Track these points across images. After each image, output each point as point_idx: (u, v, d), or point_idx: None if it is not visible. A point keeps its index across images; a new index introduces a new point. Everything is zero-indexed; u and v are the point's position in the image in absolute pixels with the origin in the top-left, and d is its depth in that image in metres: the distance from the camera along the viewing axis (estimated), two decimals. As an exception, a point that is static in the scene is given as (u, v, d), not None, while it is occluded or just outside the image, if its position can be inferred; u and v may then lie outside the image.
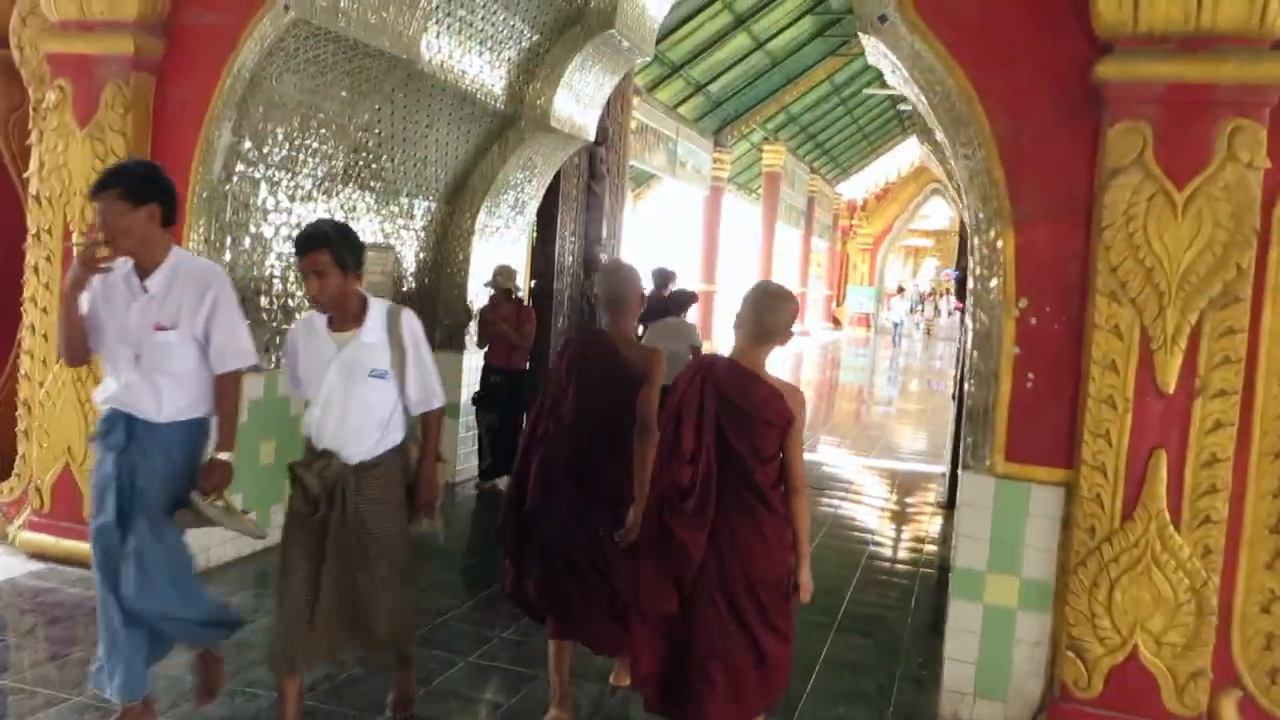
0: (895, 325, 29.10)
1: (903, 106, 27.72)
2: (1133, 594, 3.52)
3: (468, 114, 6.59)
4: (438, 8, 5.68)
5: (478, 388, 7.24)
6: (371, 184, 6.17)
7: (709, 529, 2.94)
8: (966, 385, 4.05)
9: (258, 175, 4.94)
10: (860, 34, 5.38)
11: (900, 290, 34.82)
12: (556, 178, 8.30)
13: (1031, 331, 3.75)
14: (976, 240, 3.89)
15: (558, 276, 8.57)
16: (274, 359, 5.25)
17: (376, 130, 5.96)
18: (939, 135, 4.19)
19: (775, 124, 23.39)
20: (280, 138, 5.00)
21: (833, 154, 30.56)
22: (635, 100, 14.54)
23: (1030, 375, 3.75)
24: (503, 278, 7.02)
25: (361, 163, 6.00)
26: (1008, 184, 3.76)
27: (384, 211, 6.42)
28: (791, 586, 3.01)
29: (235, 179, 4.82)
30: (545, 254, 8.45)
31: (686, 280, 20.16)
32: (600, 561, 3.48)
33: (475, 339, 7.26)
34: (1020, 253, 3.76)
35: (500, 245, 7.55)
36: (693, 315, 8.16)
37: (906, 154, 35.75)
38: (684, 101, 17.63)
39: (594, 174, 9.02)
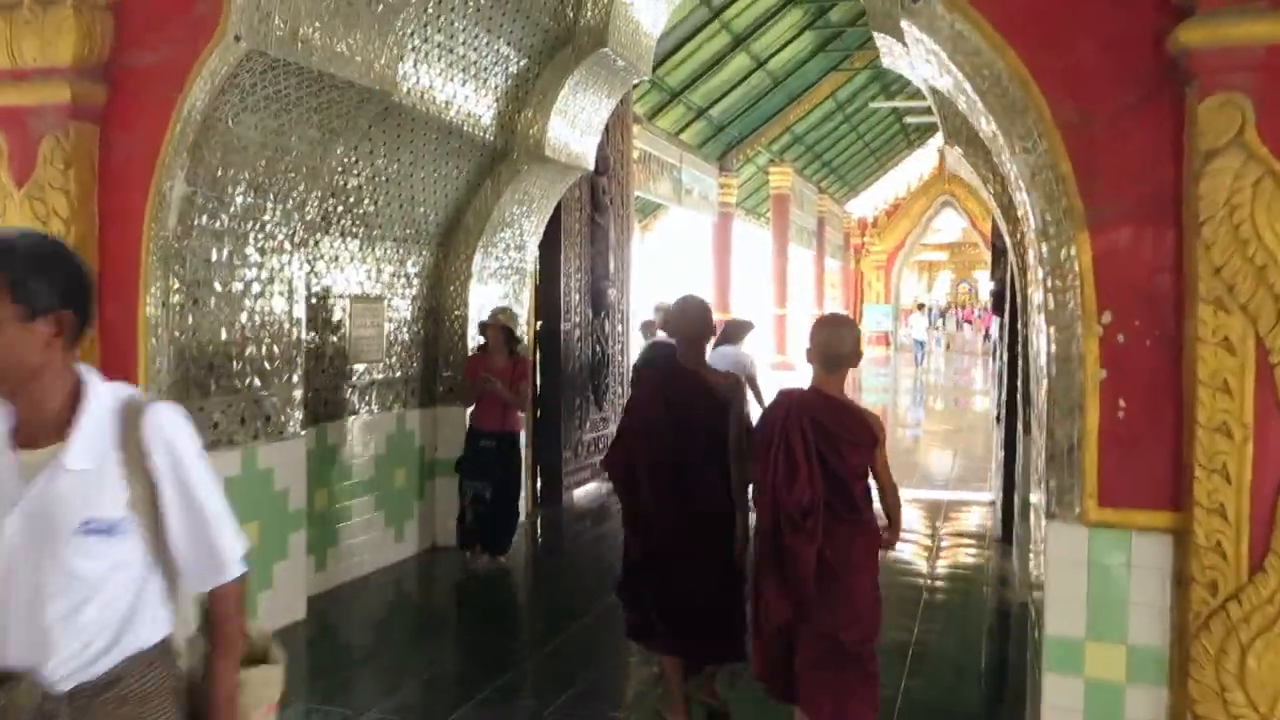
0: (918, 343, 28.40)
1: (909, 119, 27.27)
2: (1270, 660, 2.91)
3: (455, 148, 6.09)
4: (413, 34, 5.19)
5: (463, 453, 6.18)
6: (355, 230, 5.66)
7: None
8: (1040, 419, 3.46)
9: (219, 227, 4.43)
10: (877, 33, 4.89)
11: (920, 306, 34.12)
12: (557, 211, 7.80)
13: (1119, 351, 3.17)
14: (1044, 248, 3.32)
15: (564, 316, 8.04)
16: (254, 431, 4.73)
17: (356, 172, 5.46)
18: (990, 128, 3.63)
19: (780, 145, 22.95)
20: (243, 184, 4.50)
21: (840, 172, 30.10)
22: (636, 128, 14.09)
23: (1121, 403, 3.16)
24: (504, 317, 6.06)
25: (342, 208, 5.50)
26: (1078, 180, 3.19)
27: (371, 259, 5.91)
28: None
29: (195, 233, 4.31)
30: (549, 293, 7.93)
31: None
32: (721, 582, 3.83)
33: (461, 395, 6.36)
34: (1100, 259, 3.18)
35: (501, 287, 7.04)
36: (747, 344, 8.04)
37: (915, 167, 35.33)
38: (686, 128, 17.20)
39: (596, 205, 8.52)
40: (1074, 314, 3.23)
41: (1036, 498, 3.85)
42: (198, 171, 4.24)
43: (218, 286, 4.47)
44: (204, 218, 4.34)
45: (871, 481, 3.46)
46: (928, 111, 26.32)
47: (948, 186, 34.91)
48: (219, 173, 4.34)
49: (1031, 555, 4.01)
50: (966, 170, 6.00)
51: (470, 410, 6.18)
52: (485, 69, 5.95)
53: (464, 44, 5.64)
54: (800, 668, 3.35)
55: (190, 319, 4.34)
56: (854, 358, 3.49)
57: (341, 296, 5.67)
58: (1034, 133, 3.24)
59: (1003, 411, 7.46)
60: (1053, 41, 3.20)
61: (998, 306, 7.75)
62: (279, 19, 4.10)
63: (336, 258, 5.59)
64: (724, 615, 3.85)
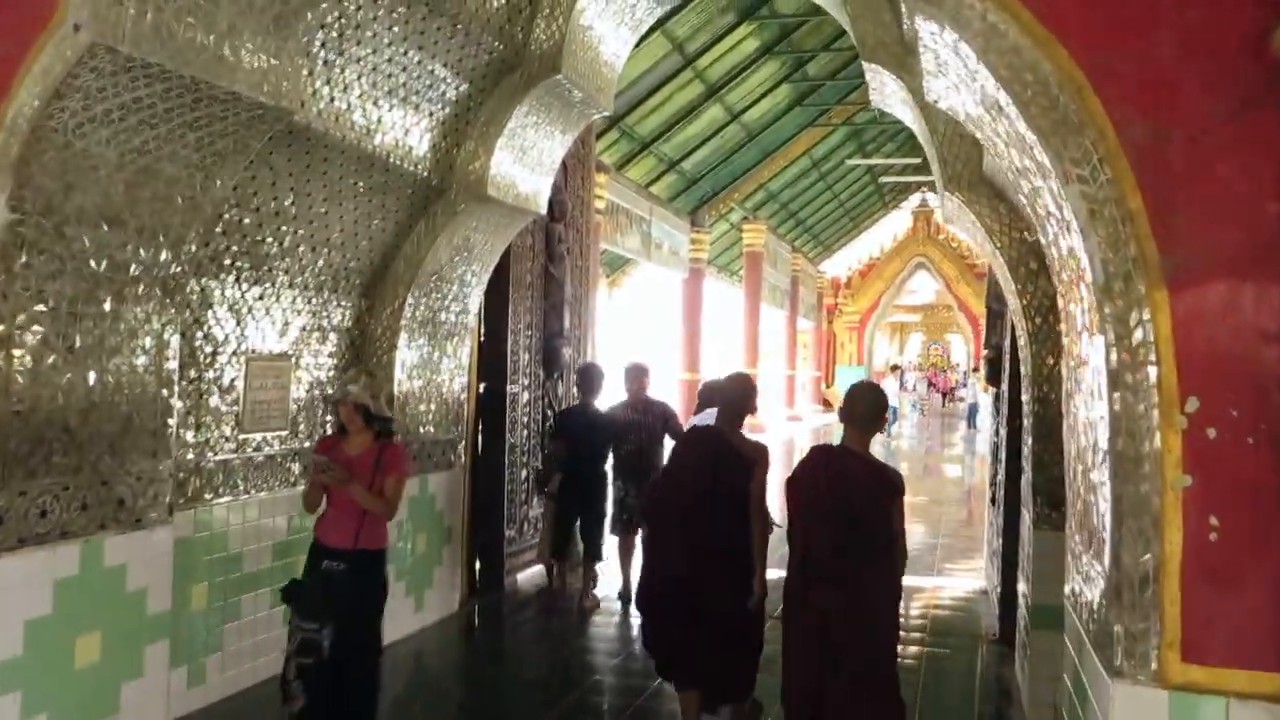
0: (891, 409, 27.66)
1: (885, 180, 26.91)
2: None
3: (381, 183, 5.27)
4: (324, 45, 4.39)
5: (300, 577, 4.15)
6: (253, 275, 4.80)
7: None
8: (1097, 535, 2.64)
9: (57, 267, 3.55)
10: (869, 67, 4.14)
11: (894, 368, 33.52)
12: (505, 260, 6.99)
13: (1210, 450, 2.35)
14: (1106, 309, 2.51)
15: (511, 376, 7.18)
16: (101, 519, 3.81)
17: (254, 205, 4.62)
18: (1023, 160, 2.84)
19: (754, 202, 22.40)
20: (91, 213, 3.64)
21: (814, 231, 29.66)
22: (603, 178, 13.38)
23: (1214, 521, 2.34)
24: (358, 391, 4.05)
25: (237, 248, 4.65)
26: (1152, 219, 2.40)
27: (277, 310, 5.05)
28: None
29: (20, 274, 3.43)
30: (495, 351, 7.08)
31: (666, 369, 18.81)
32: (744, 625, 4.26)
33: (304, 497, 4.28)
34: (1182, 326, 2.38)
35: (436, 344, 6.18)
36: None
37: (889, 228, 35.05)
38: (657, 180, 16.55)
39: (551, 255, 7.71)
40: (1146, 398, 2.42)
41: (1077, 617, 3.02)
42: (25, 195, 3.37)
43: (54, 340, 3.58)
44: (34, 254, 3.46)
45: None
46: (904, 171, 26.02)
47: (922, 249, 34.62)
48: (55, 198, 3.48)
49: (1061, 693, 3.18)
50: (968, 220, 5.24)
51: (315, 517, 4.24)
52: (418, 93, 5.16)
53: (390, 61, 4.85)
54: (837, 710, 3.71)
55: (20, 380, 3.44)
56: (883, 419, 4.05)
57: (236, 354, 4.79)
58: (1092, 156, 2.45)
59: (1000, 492, 6.64)
60: (1116, 38, 2.43)
61: (994, 375, 6.98)
62: (135, 7, 3.28)
63: (232, 307, 4.72)
64: (738, 652, 4.28)
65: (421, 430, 6.13)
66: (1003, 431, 6.62)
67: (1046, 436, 4.87)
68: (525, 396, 7.44)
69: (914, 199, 33.02)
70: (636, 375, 7.04)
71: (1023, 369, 5.47)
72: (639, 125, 14.33)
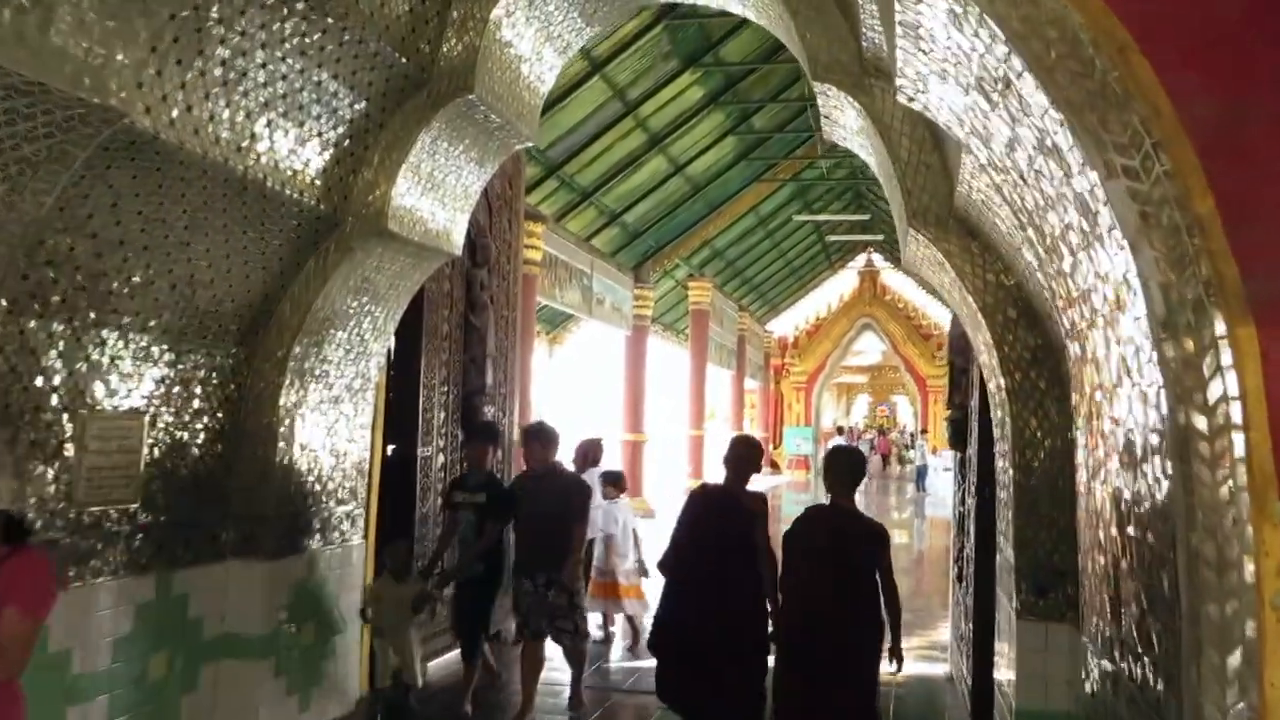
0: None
1: (831, 238, 26.66)
2: None
3: (260, 212, 4.51)
4: (176, 40, 3.65)
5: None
6: (88, 314, 3.99)
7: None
8: (1168, 686, 1.93)
9: None
10: (821, 88, 3.53)
11: (840, 430, 33.05)
12: (418, 308, 6.24)
13: (1324, 551, 1.67)
14: (1169, 349, 1.83)
15: (423, 439, 6.38)
16: None
17: (88, 230, 3.83)
18: (1058, 145, 2.18)
19: (700, 259, 21.90)
20: None
21: (761, 290, 29.29)
22: (540, 228, 12.72)
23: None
24: None
25: (66, 280, 3.84)
26: (1229, 228, 1.74)
27: (127, 358, 4.23)
28: (891, 655, 4.48)
29: None
30: (404, 409, 6.28)
31: (609, 429, 18.09)
32: (746, 666, 4.68)
33: None
34: (1278, 374, 1.71)
35: (330, 400, 5.38)
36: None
37: (836, 287, 34.88)
38: (598, 233, 15.93)
39: (473, 304, 6.97)
40: (1229, 477, 1.73)
41: None
42: None
43: None
44: None
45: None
46: (851, 230, 25.77)
47: (868, 309, 34.47)
48: None
49: None
50: (933, 262, 4.61)
51: None
52: (302, 108, 4.43)
53: (265, 68, 4.11)
54: None
55: None
56: (860, 479, 4.64)
57: (65, 409, 3.96)
58: (1143, 140, 1.79)
59: (968, 569, 5.96)
60: (1170, -18, 1.79)
61: (958, 438, 6.33)
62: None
63: (61, 354, 3.90)
64: (744, 688, 4.64)
65: (311, 500, 5.29)
66: (970, 501, 5.96)
67: (1030, 511, 4.21)
68: (440, 460, 6.64)
69: (860, 258, 32.93)
70: (536, 440, 5.78)
71: (996, 431, 4.83)
72: (579, 175, 13.72)
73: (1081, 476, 2.92)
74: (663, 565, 5.10)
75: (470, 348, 6.94)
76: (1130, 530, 2.22)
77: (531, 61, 5.40)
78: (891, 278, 34.32)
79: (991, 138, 2.48)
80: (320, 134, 4.63)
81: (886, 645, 4.45)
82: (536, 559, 5.60)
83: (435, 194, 5.37)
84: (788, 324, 35.25)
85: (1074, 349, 2.81)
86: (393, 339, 6.00)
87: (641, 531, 8.15)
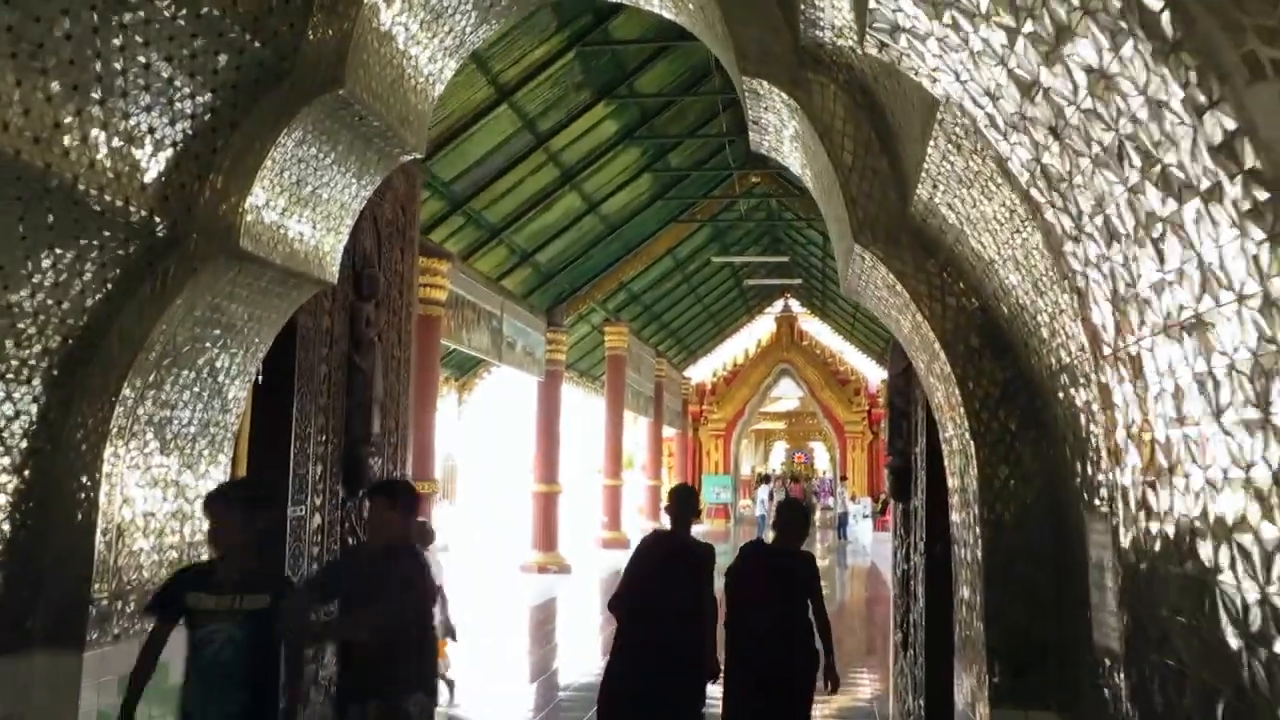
0: (762, 519, 26.50)
1: (749, 283, 26.34)
2: None
3: (74, 222, 3.68)
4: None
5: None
6: None
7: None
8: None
9: None
10: (749, 84, 2.89)
11: (765, 479, 32.47)
12: (288, 345, 5.41)
13: None
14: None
15: (295, 496, 5.51)
16: None
17: None
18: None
19: (616, 303, 21.29)
20: None
21: (679, 335, 28.80)
22: (445, 266, 11.94)
23: None
24: None
25: None
26: None
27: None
28: (826, 677, 4.93)
29: None
30: (272, 463, 5.41)
31: (523, 480, 17.17)
32: (690, 691, 4.97)
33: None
34: None
35: (175, 454, 4.51)
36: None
37: (754, 333, 34.65)
38: (509, 273, 15.18)
39: (357, 342, 6.15)
40: None
41: None
42: None
43: None
44: None
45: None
46: (769, 274, 25.48)
47: (786, 354, 34.30)
48: None
49: None
50: (881, 285, 3.99)
51: None
52: (127, 96, 3.63)
53: (75, 44, 3.32)
54: None
55: None
56: (806, 528, 5.20)
57: None
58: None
59: (918, 636, 5.31)
60: None
61: (900, 488, 5.71)
62: None
63: None
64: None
65: (146, 576, 4.40)
66: (917, 560, 5.32)
67: (1003, 575, 3.56)
68: (316, 521, 5.76)
69: (778, 304, 32.77)
70: (384, 499, 4.18)
71: (952, 481, 4.20)
72: (487, 211, 13.00)
73: (1123, 542, 2.29)
74: (614, 606, 5.21)
75: (355, 392, 6.11)
76: (1161, 608, 1.56)
77: (417, 59, 4.69)
78: (809, 324, 34.26)
79: (1002, 90, 1.85)
80: (152, 130, 3.83)
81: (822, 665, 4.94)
82: (370, 680, 4.06)
83: (303, 210, 4.59)
84: (706, 370, 34.87)
85: (1094, 374, 2.19)
86: (256, 381, 5.16)
87: (450, 590, 7.70)
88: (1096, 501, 2.81)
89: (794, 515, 5.14)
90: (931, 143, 2.95)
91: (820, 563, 20.97)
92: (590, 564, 18.67)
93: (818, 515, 36.47)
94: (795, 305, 32.67)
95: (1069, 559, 3.29)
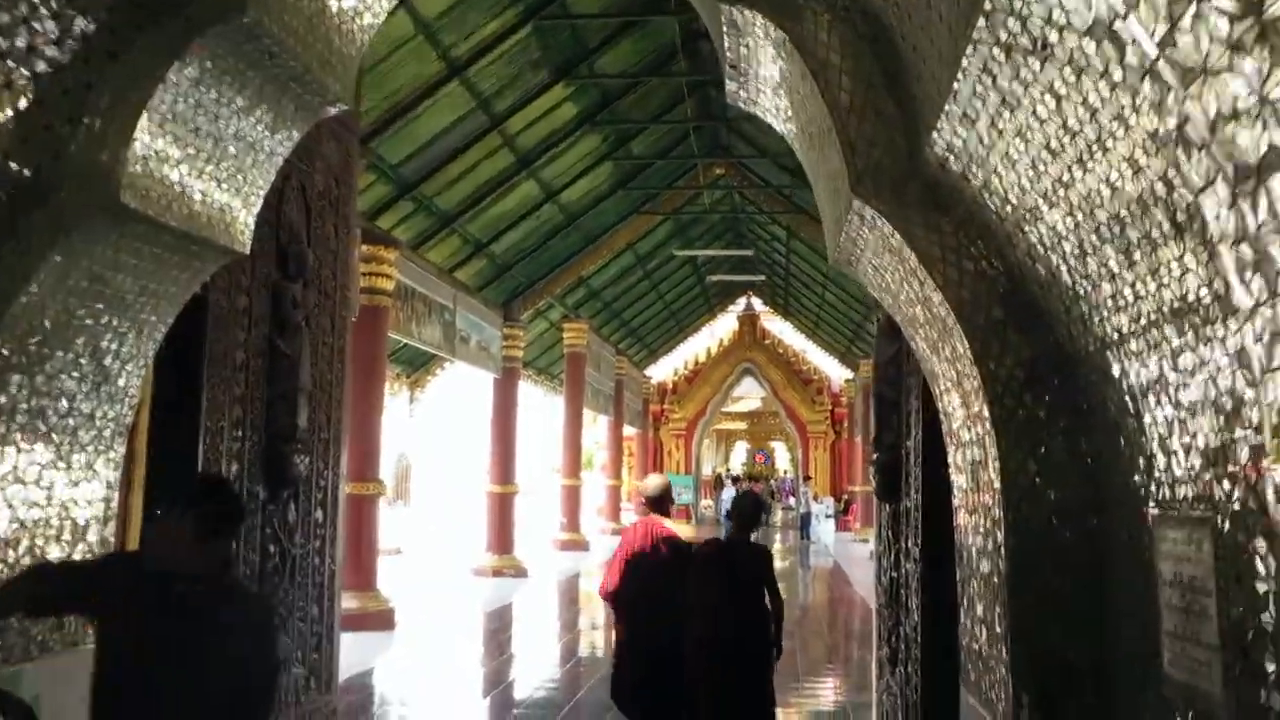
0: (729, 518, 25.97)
1: (711, 278, 25.83)
2: None
3: (-97, 167, 2.99)
4: None
5: None
6: None
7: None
8: None
9: None
10: (725, 19, 2.29)
11: (735, 480, 31.89)
12: (197, 326, 4.73)
13: None
14: None
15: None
16: None
17: None
18: None
19: (575, 299, 20.66)
20: None
21: (639, 334, 28.23)
22: (393, 254, 11.25)
23: None
24: None
25: None
26: None
27: None
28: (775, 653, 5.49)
29: None
30: (177, 460, 4.73)
31: (479, 481, 16.48)
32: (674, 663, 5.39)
33: None
34: None
35: (50, 450, 3.82)
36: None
37: (716, 331, 34.18)
38: (463, 264, 14.50)
39: (282, 325, 5.46)
40: None
41: None
42: None
43: None
44: None
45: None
46: (732, 269, 24.97)
47: (748, 353, 33.87)
48: None
49: None
50: (882, 247, 3.40)
51: None
52: (-31, 10, 2.95)
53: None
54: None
55: None
56: (759, 522, 5.96)
57: None
58: None
59: (911, 653, 4.74)
60: None
61: (889, 487, 5.14)
62: None
63: None
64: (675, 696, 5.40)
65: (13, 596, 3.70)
66: (911, 567, 4.76)
67: (1030, 587, 2.99)
68: (241, 529, 5.07)
69: (740, 302, 32.32)
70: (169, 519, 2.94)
71: (959, 478, 3.64)
72: (439, 198, 12.32)
73: (1225, 555, 1.73)
74: (608, 593, 5.69)
75: (278, 381, 5.42)
76: None
77: (342, -6, 4.04)
78: (772, 322, 33.84)
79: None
80: (4, 57, 3.15)
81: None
82: None
83: (203, 164, 3.91)
84: (667, 369, 34.37)
85: (1214, 345, 1.63)
86: (154, 364, 4.48)
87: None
88: (1170, 502, 2.24)
89: (745, 505, 5.63)
90: (963, 65, 2.37)
91: (782, 563, 20.46)
92: (548, 567, 18.02)
93: (779, 515, 36.14)
94: (758, 304, 32.25)
95: (1115, 570, 2.72)
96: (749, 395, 38.72)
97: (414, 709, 7.88)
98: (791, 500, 36.09)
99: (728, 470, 44.05)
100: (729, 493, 26.47)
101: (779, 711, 7.39)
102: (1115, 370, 2.49)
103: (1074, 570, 2.92)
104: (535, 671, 9.48)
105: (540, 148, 12.80)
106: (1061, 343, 2.89)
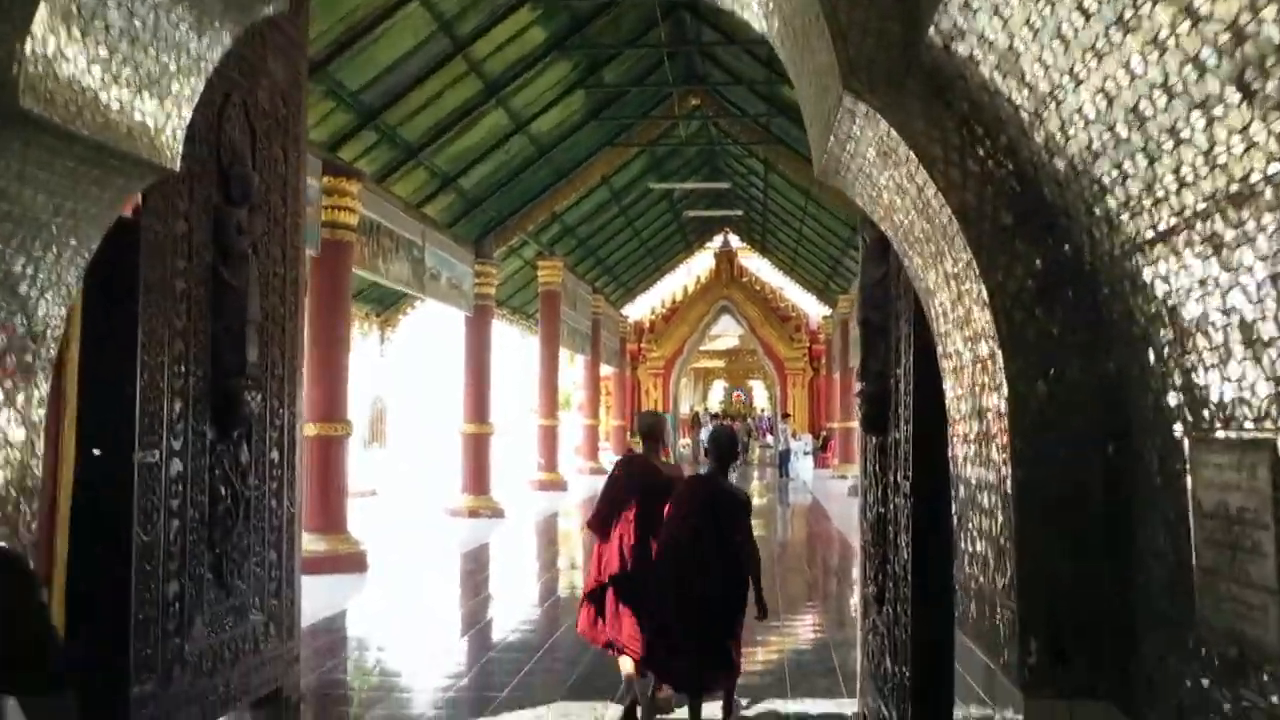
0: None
1: (689, 213, 25.37)
2: None
3: None
4: None
5: None
6: None
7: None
8: None
9: None
10: None
11: (715, 416, 31.64)
12: (129, 253, 4.36)
13: None
14: None
15: (145, 439, 4.48)
16: None
17: None
18: None
19: (550, 236, 20.20)
20: None
21: (615, 272, 27.81)
22: (356, 187, 10.78)
23: None
24: None
25: None
26: None
27: None
28: (757, 607, 5.34)
29: None
30: (111, 397, 4.38)
31: (455, 422, 16.19)
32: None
33: None
34: None
35: (-41, 386, 3.46)
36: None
37: (693, 269, 33.80)
38: (431, 199, 14.01)
39: (225, 254, 5.08)
40: None
41: None
42: None
43: None
44: None
45: None
46: (710, 205, 24.52)
47: (726, 291, 33.54)
48: None
49: None
50: (878, 148, 3.07)
51: None
52: None
53: None
54: (701, 667, 5.20)
55: None
56: (736, 457, 5.88)
57: None
58: None
59: (899, 590, 4.49)
60: None
61: (876, 419, 4.86)
62: None
63: None
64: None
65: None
66: (900, 503, 4.49)
67: (1040, 527, 2.72)
68: (177, 467, 4.74)
69: (717, 239, 31.90)
70: None
71: (959, 406, 3.36)
72: (403, 128, 11.82)
73: None
74: (592, 524, 5.88)
75: (223, 314, 5.05)
76: None
77: None
78: (749, 260, 33.48)
79: None
80: None
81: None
82: None
83: (119, 67, 3.50)
84: (644, 307, 34.04)
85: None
86: (82, 293, 4.11)
87: None
88: (1213, 424, 1.95)
89: (722, 439, 5.63)
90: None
91: (760, 500, 20.29)
92: (525, 508, 17.83)
93: (757, 453, 36.12)
94: (735, 241, 31.85)
95: (1139, 503, 2.45)
96: (727, 333, 38.48)
97: (389, 651, 7.65)
98: (770, 438, 36.02)
99: (705, 408, 43.99)
100: (707, 432, 26.34)
101: (758, 650, 7.26)
102: (1147, 275, 2.18)
103: (1090, 504, 2.65)
104: (512, 612, 9.27)
105: (508, 74, 12.28)
106: (1080, 249, 2.58)
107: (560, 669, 6.90)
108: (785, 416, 30.53)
